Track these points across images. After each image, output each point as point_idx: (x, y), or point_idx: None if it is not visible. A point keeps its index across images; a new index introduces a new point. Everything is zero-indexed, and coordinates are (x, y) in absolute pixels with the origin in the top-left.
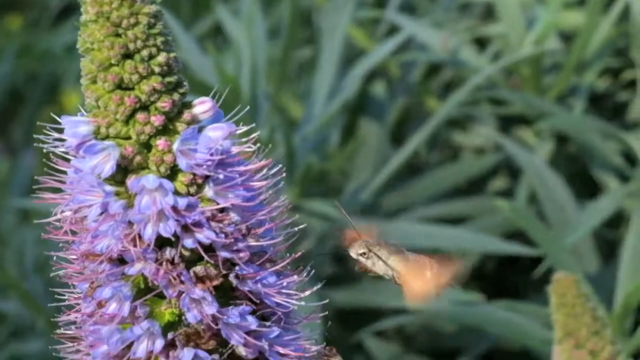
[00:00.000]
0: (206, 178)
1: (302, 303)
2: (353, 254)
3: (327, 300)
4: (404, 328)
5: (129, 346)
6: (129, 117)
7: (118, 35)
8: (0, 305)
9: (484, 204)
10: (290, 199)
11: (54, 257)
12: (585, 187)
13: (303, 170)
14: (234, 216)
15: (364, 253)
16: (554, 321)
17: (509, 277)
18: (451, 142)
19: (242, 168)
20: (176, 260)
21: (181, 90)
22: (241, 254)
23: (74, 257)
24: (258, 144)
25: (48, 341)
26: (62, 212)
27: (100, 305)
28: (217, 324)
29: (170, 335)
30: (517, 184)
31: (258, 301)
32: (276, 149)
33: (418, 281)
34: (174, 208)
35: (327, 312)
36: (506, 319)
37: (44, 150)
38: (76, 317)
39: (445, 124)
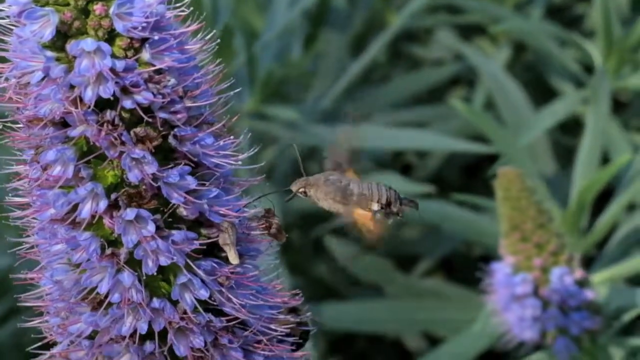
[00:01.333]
0: (142, 42)
1: (239, 164)
2: (293, 189)
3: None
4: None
5: (74, 208)
6: None
7: None
8: None
9: (444, 111)
10: (251, 106)
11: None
12: (542, 94)
13: (264, 77)
14: (170, 78)
15: (303, 192)
16: (499, 215)
17: (471, 186)
18: (412, 55)
19: (176, 31)
20: (116, 121)
21: None
22: (179, 115)
23: (19, 125)
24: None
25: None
26: (7, 79)
27: (45, 169)
28: (157, 184)
29: (113, 196)
30: (475, 93)
31: (196, 162)
32: (237, 56)
33: (360, 220)
34: (113, 70)
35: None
36: (464, 217)
37: None
38: (22, 184)
39: (405, 38)
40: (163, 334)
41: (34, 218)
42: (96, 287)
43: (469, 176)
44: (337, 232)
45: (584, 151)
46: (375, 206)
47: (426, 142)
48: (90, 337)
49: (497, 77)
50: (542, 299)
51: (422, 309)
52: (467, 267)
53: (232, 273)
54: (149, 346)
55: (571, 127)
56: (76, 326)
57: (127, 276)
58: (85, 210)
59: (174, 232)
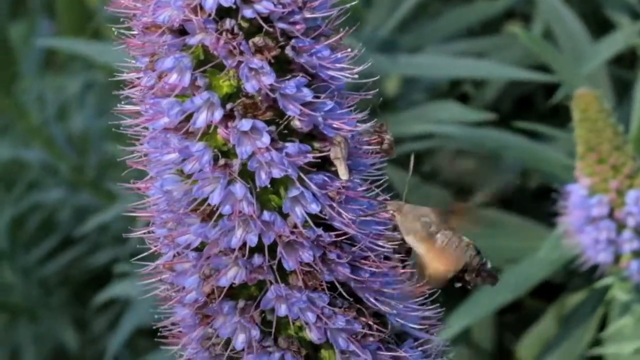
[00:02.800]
0: None
1: (356, 76)
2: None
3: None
4: (423, 163)
5: (188, 118)
6: None
7: None
8: (22, 153)
9: (499, 42)
10: None
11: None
12: (598, 27)
13: None
14: None
15: (393, 214)
16: (576, 137)
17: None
18: None
19: None
20: (235, 30)
21: None
22: (297, 26)
23: (133, 31)
24: None
25: (70, 189)
26: None
27: (160, 77)
28: (274, 95)
29: (228, 106)
30: (531, 25)
31: (312, 74)
32: None
33: (435, 265)
34: None
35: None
36: (527, 145)
37: None
38: (134, 92)
39: None
40: (272, 247)
41: (144, 127)
42: (207, 198)
43: (523, 108)
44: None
45: None
46: (451, 274)
47: (485, 70)
48: (197, 249)
49: (555, 7)
50: (617, 221)
51: (482, 237)
52: (522, 199)
53: (343, 187)
54: (257, 259)
55: (627, 60)
56: (184, 237)
57: (239, 188)
58: (201, 120)
59: (287, 144)
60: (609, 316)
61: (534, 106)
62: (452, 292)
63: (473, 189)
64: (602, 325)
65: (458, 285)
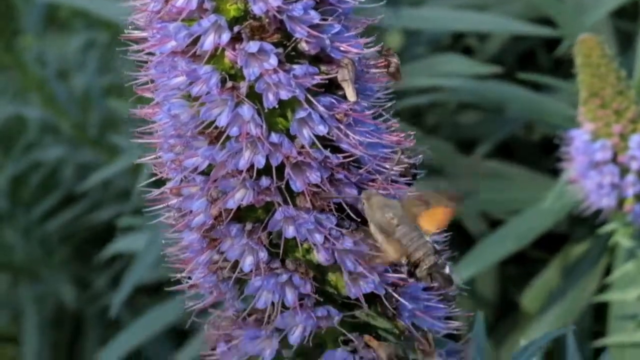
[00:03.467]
0: None
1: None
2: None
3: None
4: (427, 117)
5: (195, 41)
6: None
7: None
8: (23, 110)
9: None
10: None
11: None
12: None
13: None
14: None
15: (362, 201)
16: (578, 82)
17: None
18: None
19: None
20: None
21: None
22: None
23: None
24: None
25: (71, 146)
26: None
27: (167, 1)
28: (281, 17)
29: (236, 29)
30: None
31: None
32: None
33: (388, 252)
34: None
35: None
36: (531, 97)
37: None
38: (141, 17)
39: None
40: (280, 169)
41: (150, 53)
42: (215, 120)
43: (526, 63)
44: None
45: None
46: (404, 259)
47: (489, 24)
48: (204, 172)
49: None
50: (621, 165)
51: (484, 188)
52: (525, 151)
53: (350, 110)
54: (265, 181)
55: (630, 12)
56: (192, 160)
57: (246, 109)
58: (208, 43)
59: (295, 66)
60: (613, 265)
61: (536, 60)
62: (455, 244)
63: (476, 142)
64: (607, 275)
65: (410, 279)
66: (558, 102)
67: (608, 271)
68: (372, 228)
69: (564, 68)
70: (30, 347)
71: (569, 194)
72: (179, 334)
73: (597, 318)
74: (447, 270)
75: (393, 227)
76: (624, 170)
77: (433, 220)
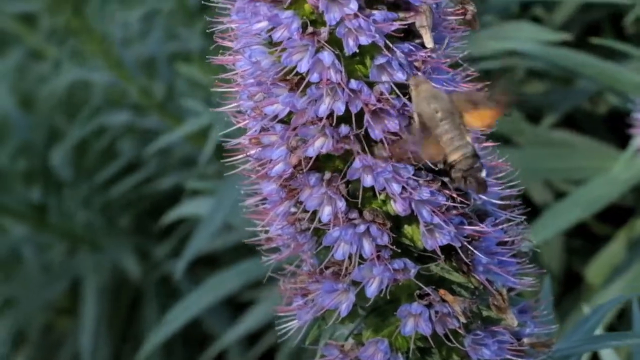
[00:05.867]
0: None
1: None
2: (410, 80)
3: None
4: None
5: None
6: None
7: None
8: (91, 75)
9: None
10: None
11: None
12: None
13: None
14: None
15: (410, 88)
16: None
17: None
18: None
19: None
20: None
21: None
22: None
23: None
24: None
25: (137, 113)
26: None
27: None
28: None
29: None
30: None
31: None
32: None
33: (426, 148)
34: None
35: None
36: (603, 64)
37: None
38: None
39: None
40: (359, 116)
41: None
42: (295, 66)
43: (591, 34)
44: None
45: None
46: (440, 158)
47: None
48: (284, 121)
49: None
50: None
51: (550, 157)
52: (591, 123)
53: (428, 57)
54: (344, 128)
55: None
56: (272, 107)
57: (327, 55)
58: None
59: (375, 11)
60: None
61: (602, 33)
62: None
63: (543, 112)
64: None
65: (445, 178)
66: (628, 71)
67: None
68: (416, 117)
69: (628, 41)
70: (88, 317)
71: (638, 164)
72: (237, 306)
73: None
74: (482, 174)
75: (436, 120)
76: None
77: (480, 118)
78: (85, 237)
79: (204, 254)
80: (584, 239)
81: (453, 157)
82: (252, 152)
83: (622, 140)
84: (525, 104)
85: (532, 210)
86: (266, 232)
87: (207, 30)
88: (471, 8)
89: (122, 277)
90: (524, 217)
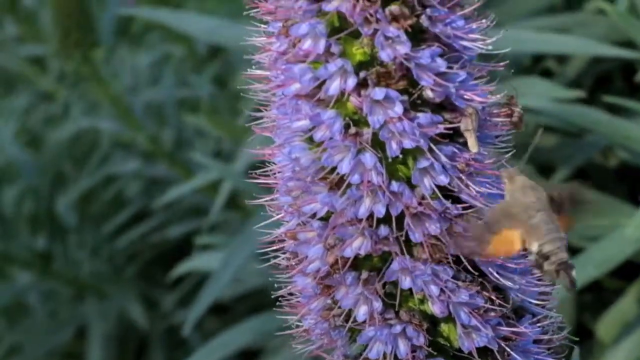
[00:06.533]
0: None
1: (489, 47)
2: (503, 173)
3: None
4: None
5: (320, 85)
6: None
7: None
8: (99, 122)
9: (583, 18)
10: None
11: None
12: None
13: None
14: None
15: (504, 179)
16: None
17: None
18: None
19: None
20: None
21: None
22: None
23: None
24: None
25: (145, 161)
26: None
27: (294, 43)
28: (408, 64)
29: (362, 74)
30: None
31: (446, 44)
32: None
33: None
34: None
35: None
36: (613, 121)
37: None
38: (265, 57)
39: None
40: (399, 218)
41: (273, 94)
42: (336, 167)
43: (602, 86)
44: None
45: None
46: (535, 247)
47: (570, 46)
48: (322, 218)
49: None
50: None
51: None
52: (602, 177)
53: (472, 160)
54: (383, 230)
55: None
56: (310, 206)
57: (369, 157)
58: (334, 87)
59: (419, 114)
60: None
61: (612, 85)
62: None
63: (555, 166)
64: None
65: (537, 271)
66: (637, 127)
67: None
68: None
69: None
70: None
71: None
72: (247, 355)
73: None
74: (574, 273)
75: (534, 210)
76: None
77: (563, 222)
78: (91, 285)
79: (213, 304)
80: (595, 294)
81: (549, 248)
82: (288, 245)
83: (633, 193)
84: (537, 157)
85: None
86: (299, 326)
87: (246, 124)
88: (517, 109)
89: (129, 325)
90: (559, 315)
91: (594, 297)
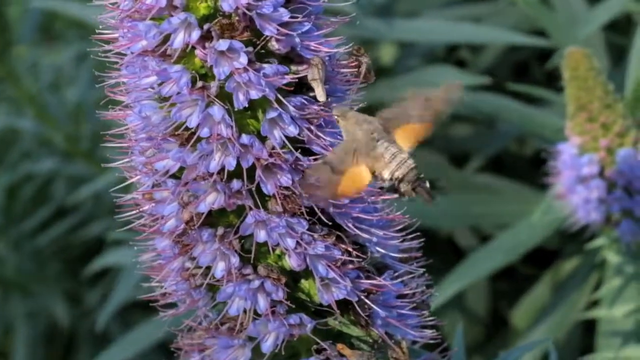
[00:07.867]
0: None
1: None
2: (334, 112)
3: None
4: None
5: (165, 40)
6: None
7: None
8: (16, 122)
9: (496, 8)
10: None
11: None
12: None
13: None
14: None
15: (337, 118)
16: (566, 96)
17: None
18: None
19: None
20: None
21: None
22: None
23: None
24: None
25: (63, 159)
26: None
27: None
28: (250, 14)
29: (206, 27)
30: None
31: None
32: None
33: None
34: None
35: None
36: (524, 109)
37: None
38: (113, 17)
39: None
40: (251, 171)
41: (119, 53)
42: (185, 121)
43: (519, 76)
44: None
45: (638, 47)
46: (387, 174)
47: (483, 35)
48: (175, 176)
49: None
50: (608, 180)
51: (476, 202)
52: (517, 165)
53: (321, 110)
54: (236, 184)
55: (622, 26)
56: (162, 163)
57: (217, 110)
58: (178, 41)
59: (265, 65)
60: (603, 281)
61: (529, 74)
62: (445, 259)
63: (468, 155)
64: (597, 290)
65: (394, 195)
66: (550, 115)
67: (598, 287)
68: (347, 142)
69: (556, 81)
70: None
71: (558, 208)
72: (169, 351)
73: (588, 334)
74: (427, 184)
75: (373, 141)
76: (611, 185)
77: (412, 133)
78: (16, 283)
79: (136, 300)
80: (510, 282)
81: (400, 172)
82: (145, 207)
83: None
84: (450, 147)
85: (458, 256)
86: (161, 287)
87: (97, 85)
88: (365, 60)
89: (55, 323)
90: (423, 269)
91: (509, 285)
